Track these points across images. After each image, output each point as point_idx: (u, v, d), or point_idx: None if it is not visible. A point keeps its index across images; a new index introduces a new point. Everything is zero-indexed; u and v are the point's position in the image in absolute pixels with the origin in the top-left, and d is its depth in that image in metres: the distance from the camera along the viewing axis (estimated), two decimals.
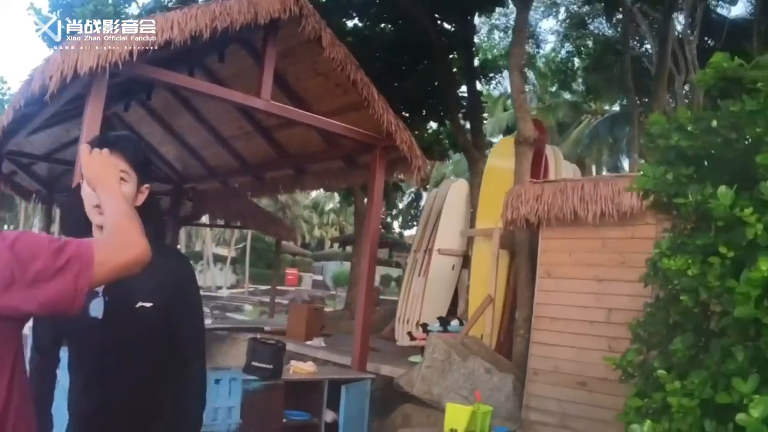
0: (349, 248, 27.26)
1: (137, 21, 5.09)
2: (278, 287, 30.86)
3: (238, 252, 42.73)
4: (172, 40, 4.95)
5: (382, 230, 30.61)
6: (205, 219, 15.77)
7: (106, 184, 1.77)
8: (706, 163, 2.45)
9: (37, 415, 2.19)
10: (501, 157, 8.16)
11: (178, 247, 37.63)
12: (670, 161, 2.47)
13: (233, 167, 9.50)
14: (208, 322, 17.87)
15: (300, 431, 5.64)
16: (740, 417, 1.76)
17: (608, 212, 5.15)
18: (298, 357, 6.88)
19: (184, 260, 2.42)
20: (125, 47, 4.71)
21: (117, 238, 1.59)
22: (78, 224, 2.13)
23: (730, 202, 2.09)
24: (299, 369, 5.77)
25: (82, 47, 4.61)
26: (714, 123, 2.37)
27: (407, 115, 13.06)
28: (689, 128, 2.41)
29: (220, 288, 37.53)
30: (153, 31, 4.81)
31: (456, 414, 4.75)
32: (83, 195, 2.07)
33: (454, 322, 7.67)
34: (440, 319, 7.75)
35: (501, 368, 5.81)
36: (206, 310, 24.09)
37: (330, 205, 45.27)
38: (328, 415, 5.60)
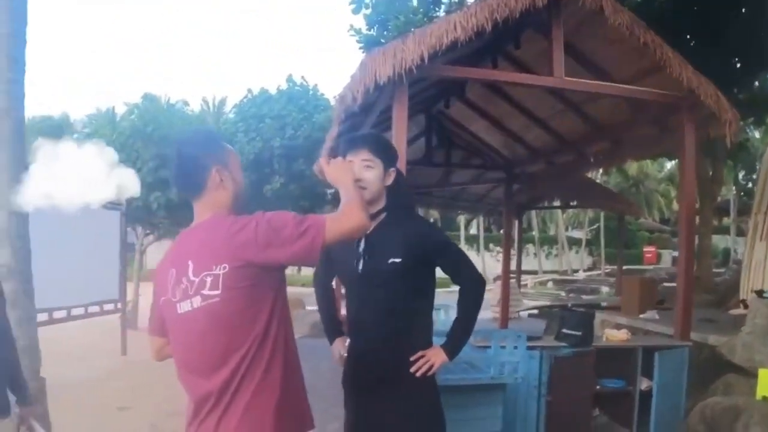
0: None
1: (427, 27, 5.54)
2: (636, 266, 30.06)
3: (593, 233, 42.21)
4: (458, 39, 5.34)
5: (743, 195, 28.00)
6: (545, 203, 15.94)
7: (341, 181, 2.43)
8: None
9: (324, 314, 3.32)
10: None
11: (533, 233, 38.69)
12: None
13: (554, 146, 9.67)
14: (546, 302, 18.26)
15: (614, 398, 5.69)
16: None
17: None
18: (629, 330, 6.84)
19: (427, 224, 3.23)
20: (416, 53, 5.22)
21: (343, 213, 2.22)
22: None
23: None
24: (612, 336, 5.82)
25: (377, 60, 5.22)
26: None
27: (739, 66, 11.99)
28: None
29: (576, 271, 37.49)
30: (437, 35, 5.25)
31: None
32: None
33: None
34: None
35: None
36: (561, 293, 24.49)
37: None
38: (643, 383, 5.56)
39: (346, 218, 2.19)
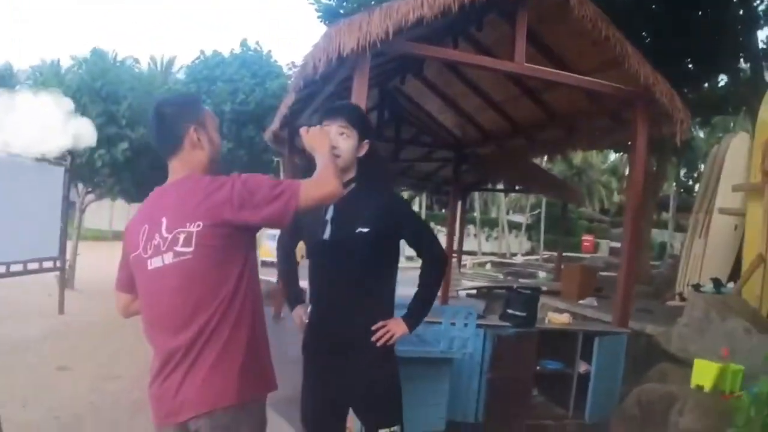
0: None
1: (394, 3, 5.52)
2: (573, 254, 30.69)
3: (533, 219, 42.91)
4: (424, 17, 5.35)
5: (683, 192, 28.88)
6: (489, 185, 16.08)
7: (317, 149, 2.48)
8: None
9: (286, 281, 3.35)
10: None
11: (475, 214, 39.12)
12: None
13: (506, 130, 9.78)
14: (485, 284, 18.54)
15: (553, 379, 5.87)
16: None
17: None
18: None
19: (397, 197, 3.30)
20: (381, 28, 5.21)
21: (318, 179, 2.28)
22: None
23: None
24: (555, 319, 5.99)
25: (342, 31, 5.20)
26: None
27: (691, 67, 12.32)
28: None
29: (514, 255, 38.10)
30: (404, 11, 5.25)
31: (703, 370, 4.65)
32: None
33: (730, 285, 7.31)
34: (714, 280, 7.42)
35: (762, 329, 5.48)
36: (499, 275, 24.91)
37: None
38: (582, 366, 5.74)
39: (321, 184, 2.24)
